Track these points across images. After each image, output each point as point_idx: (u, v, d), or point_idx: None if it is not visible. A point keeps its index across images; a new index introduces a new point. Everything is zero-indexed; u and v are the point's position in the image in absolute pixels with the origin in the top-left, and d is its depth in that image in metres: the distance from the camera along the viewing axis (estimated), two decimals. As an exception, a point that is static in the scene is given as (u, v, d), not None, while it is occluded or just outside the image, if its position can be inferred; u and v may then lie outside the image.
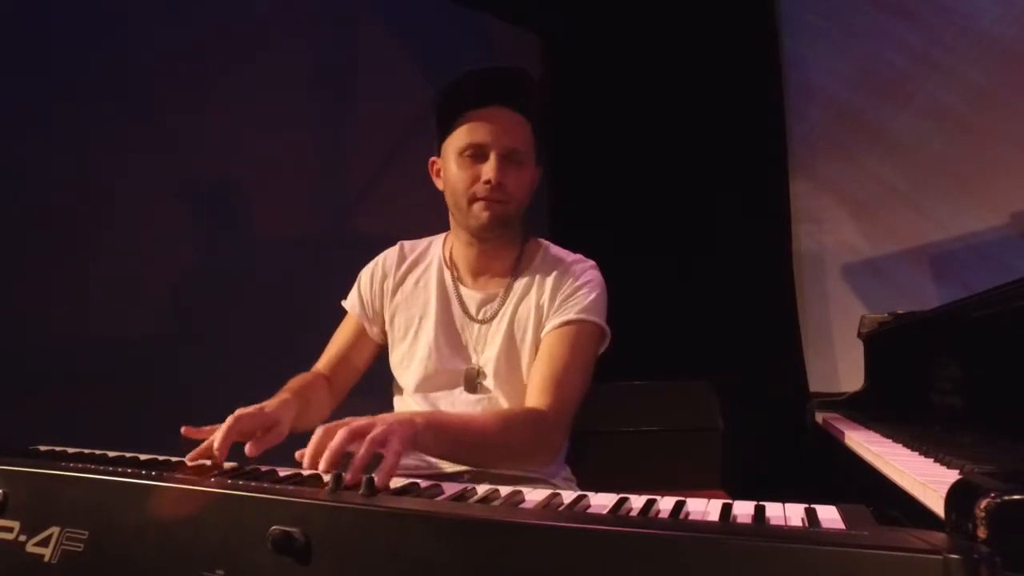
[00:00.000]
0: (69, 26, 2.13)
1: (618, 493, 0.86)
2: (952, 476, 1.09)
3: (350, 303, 1.54)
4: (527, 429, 1.25)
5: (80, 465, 0.88)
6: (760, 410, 2.98)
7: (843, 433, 1.90)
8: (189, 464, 1.06)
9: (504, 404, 1.39)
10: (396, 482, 0.90)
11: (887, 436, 1.71)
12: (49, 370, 1.96)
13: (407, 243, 1.56)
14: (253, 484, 0.83)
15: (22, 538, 0.83)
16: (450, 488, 0.91)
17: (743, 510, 0.77)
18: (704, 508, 0.80)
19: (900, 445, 1.57)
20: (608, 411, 2.46)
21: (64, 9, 2.11)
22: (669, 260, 3.32)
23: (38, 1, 2.07)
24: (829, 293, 3.38)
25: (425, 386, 1.43)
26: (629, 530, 0.62)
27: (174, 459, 1.06)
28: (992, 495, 0.82)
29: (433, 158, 1.47)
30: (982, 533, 0.81)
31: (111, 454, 1.09)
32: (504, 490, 0.89)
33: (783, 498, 0.81)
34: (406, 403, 1.47)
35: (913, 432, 1.64)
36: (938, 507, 0.98)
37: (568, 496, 0.86)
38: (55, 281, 2.04)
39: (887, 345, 2.38)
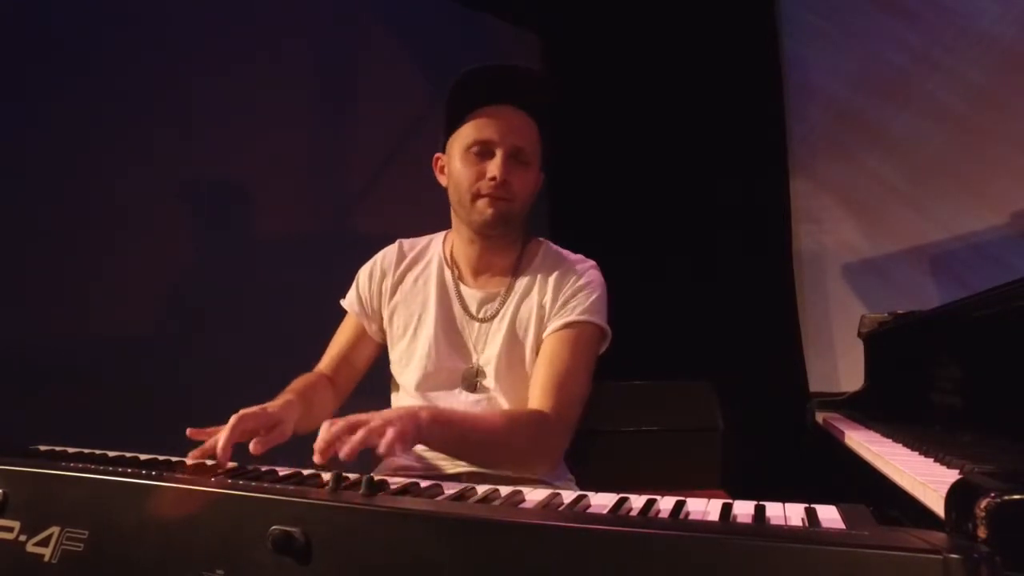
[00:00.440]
0: (69, 26, 2.13)
1: (618, 493, 0.86)
2: (952, 476, 1.09)
3: (349, 302, 1.54)
4: (531, 431, 1.25)
5: (80, 465, 0.88)
6: (760, 410, 2.98)
7: (843, 433, 1.91)
8: (190, 464, 1.06)
9: (504, 403, 1.39)
10: (396, 482, 0.91)
11: (887, 436, 1.71)
12: (49, 370, 1.96)
13: (406, 241, 1.56)
14: (253, 484, 0.83)
15: (22, 538, 0.83)
16: (450, 488, 0.90)
17: (743, 510, 0.77)
18: (704, 508, 0.80)
19: (900, 445, 1.57)
20: (608, 411, 2.45)
21: (64, 9, 2.11)
22: (669, 260, 3.32)
23: (38, 1, 2.07)
24: (829, 293, 3.38)
25: (424, 385, 1.43)
26: (629, 530, 0.62)
27: (174, 459, 1.06)
28: (992, 495, 0.82)
29: (438, 154, 1.47)
30: (982, 533, 0.81)
31: (111, 454, 1.09)
32: (504, 490, 0.89)
33: (783, 498, 0.81)
34: (404, 402, 1.47)
35: (913, 432, 1.64)
36: (938, 507, 0.98)
37: (568, 496, 0.86)
38: (55, 281, 2.04)
39: (887, 345, 2.38)
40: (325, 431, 0.97)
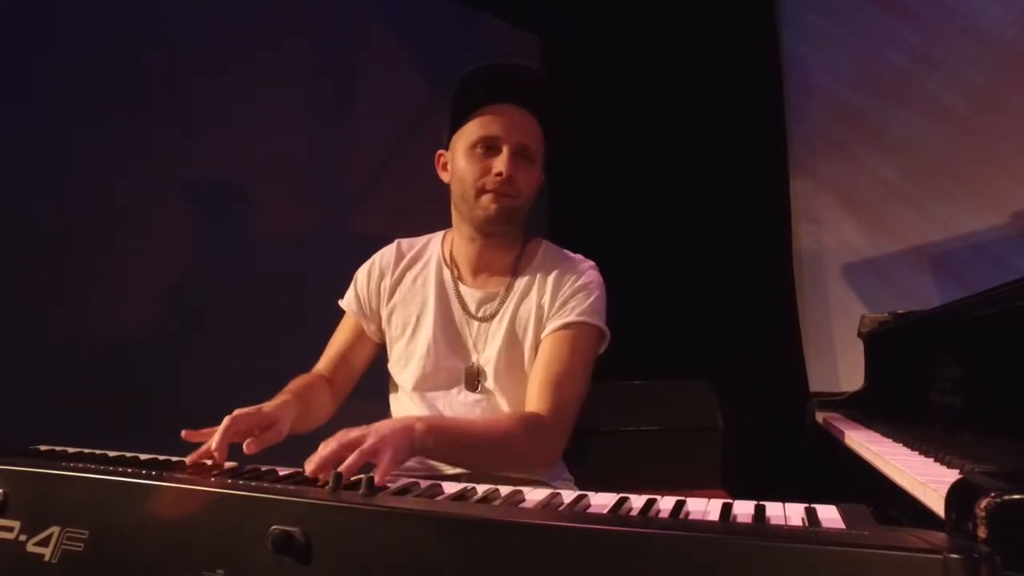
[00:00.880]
0: (69, 26, 2.13)
1: (618, 493, 0.86)
2: (952, 476, 1.09)
3: (347, 302, 1.54)
4: (528, 434, 1.25)
5: (80, 465, 0.88)
6: (760, 410, 2.98)
7: (843, 433, 1.91)
8: (190, 464, 1.06)
9: (503, 403, 1.39)
10: (396, 482, 0.90)
11: (887, 436, 1.71)
12: (49, 370, 1.96)
13: (404, 241, 1.55)
14: (253, 484, 0.83)
15: (22, 538, 0.83)
16: (450, 488, 0.91)
17: (743, 510, 0.78)
18: (704, 508, 0.80)
19: (900, 445, 1.57)
20: (608, 411, 2.46)
21: (64, 9, 2.11)
22: (669, 260, 3.32)
23: (38, 1, 2.07)
24: (829, 293, 3.38)
25: (423, 385, 1.43)
26: (629, 530, 0.62)
27: (174, 459, 1.06)
28: (992, 495, 0.82)
29: (440, 151, 1.47)
30: (982, 532, 0.82)
31: (111, 454, 1.09)
32: (504, 490, 0.89)
33: (783, 498, 0.81)
34: (402, 402, 1.47)
35: (913, 432, 1.64)
36: (938, 507, 0.98)
37: (568, 496, 0.86)
38: (55, 281, 2.04)
39: (887, 345, 2.39)
40: (319, 454, 0.95)
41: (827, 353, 3.32)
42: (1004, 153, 2.92)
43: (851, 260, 3.34)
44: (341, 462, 0.91)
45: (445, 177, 1.47)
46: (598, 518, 0.72)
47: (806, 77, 3.48)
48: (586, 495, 0.86)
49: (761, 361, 3.15)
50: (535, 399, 1.30)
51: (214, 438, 1.07)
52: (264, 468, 1.01)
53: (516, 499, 0.84)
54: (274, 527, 0.70)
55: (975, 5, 3.02)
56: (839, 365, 3.26)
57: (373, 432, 0.98)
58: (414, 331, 1.45)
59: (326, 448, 0.95)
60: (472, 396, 1.40)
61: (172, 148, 2.32)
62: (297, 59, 2.81)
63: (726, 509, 0.77)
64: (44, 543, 0.81)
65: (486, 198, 1.37)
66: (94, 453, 1.09)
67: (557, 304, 1.38)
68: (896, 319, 2.32)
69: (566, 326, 1.36)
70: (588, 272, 1.43)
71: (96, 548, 0.79)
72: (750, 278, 3.27)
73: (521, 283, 1.43)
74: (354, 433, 0.97)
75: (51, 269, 2.03)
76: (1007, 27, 2.94)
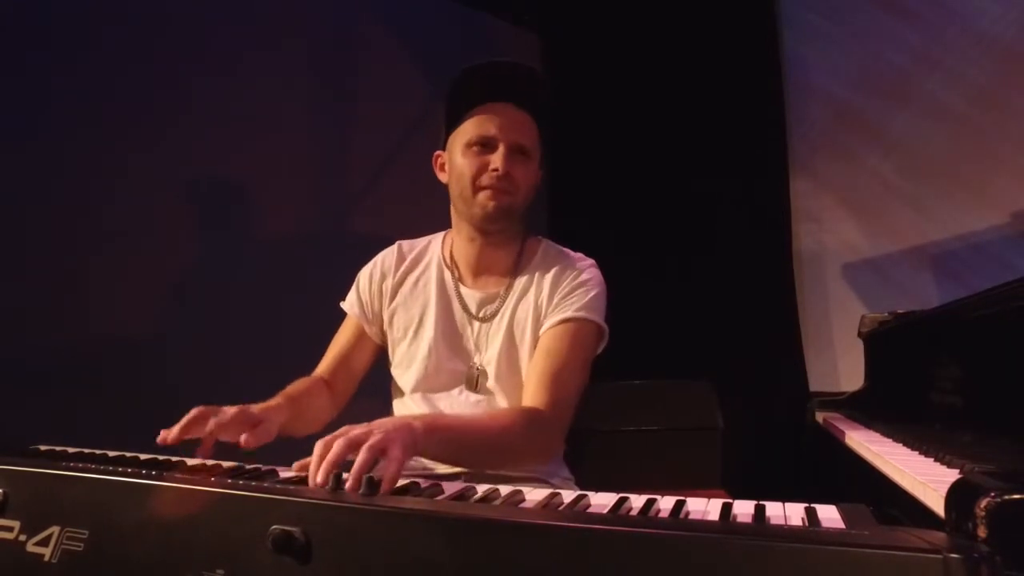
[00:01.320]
0: (69, 25, 2.13)
1: (618, 493, 0.86)
2: (952, 475, 1.09)
3: (349, 304, 1.54)
4: (526, 429, 1.25)
5: (80, 465, 0.88)
6: (760, 410, 2.98)
7: (843, 433, 1.91)
8: (189, 464, 1.06)
9: (505, 404, 1.38)
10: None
11: (887, 435, 1.71)
12: (49, 370, 1.96)
13: (405, 243, 1.55)
14: (253, 484, 0.83)
15: (22, 538, 0.83)
16: (450, 488, 0.90)
17: (743, 510, 0.78)
18: (704, 508, 0.80)
19: (900, 444, 1.57)
20: (608, 411, 2.46)
21: (64, 8, 2.11)
22: (669, 259, 3.32)
23: (38, 1, 2.07)
24: (829, 293, 3.38)
25: (425, 386, 1.43)
26: (629, 530, 0.62)
27: (174, 459, 1.06)
28: (992, 494, 0.82)
29: (438, 152, 1.47)
30: (982, 532, 0.82)
31: (111, 454, 1.09)
32: (504, 490, 0.89)
33: (783, 498, 0.81)
34: (405, 404, 1.47)
35: (913, 431, 1.64)
36: (938, 506, 0.98)
37: (568, 496, 0.86)
38: (55, 281, 2.04)
39: (887, 345, 2.39)
40: (318, 452, 0.91)
41: (827, 353, 3.32)
42: (1004, 153, 2.92)
43: (851, 260, 3.34)
44: (343, 460, 0.90)
45: (443, 178, 1.47)
46: (598, 518, 0.72)
47: (806, 77, 3.48)
48: (586, 495, 0.86)
49: (761, 361, 3.15)
50: (533, 393, 1.30)
51: (174, 428, 1.07)
52: (264, 468, 1.01)
53: (516, 499, 0.84)
54: (274, 527, 0.70)
55: (975, 5, 3.02)
56: (839, 365, 3.26)
57: (378, 427, 0.95)
58: (416, 333, 1.45)
59: (326, 448, 0.91)
60: (474, 397, 1.40)
61: (172, 148, 2.32)
62: (297, 59, 2.81)
63: (726, 509, 0.77)
64: (44, 543, 0.81)
65: (484, 195, 1.37)
66: (94, 453, 1.09)
67: (556, 300, 1.38)
68: (896, 319, 2.32)
69: (565, 321, 1.36)
70: (588, 269, 1.43)
71: (96, 548, 0.79)
72: (750, 278, 3.27)
73: (521, 283, 1.43)
74: (357, 430, 0.94)
75: (51, 269, 2.03)
76: (1007, 27, 2.94)
